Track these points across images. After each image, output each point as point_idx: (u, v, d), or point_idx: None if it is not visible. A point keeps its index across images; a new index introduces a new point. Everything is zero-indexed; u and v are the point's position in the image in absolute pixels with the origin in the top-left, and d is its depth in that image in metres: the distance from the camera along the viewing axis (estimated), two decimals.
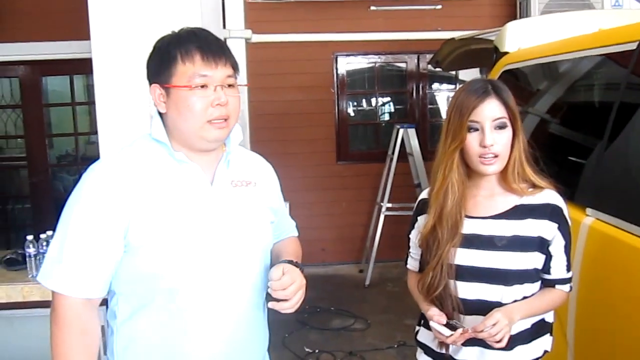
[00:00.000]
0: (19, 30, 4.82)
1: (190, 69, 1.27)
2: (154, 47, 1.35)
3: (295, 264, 1.37)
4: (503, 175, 1.51)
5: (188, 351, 1.32)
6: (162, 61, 1.30)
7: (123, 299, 1.33)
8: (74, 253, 1.25)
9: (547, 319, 1.58)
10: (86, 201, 1.27)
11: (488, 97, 1.46)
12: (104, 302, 1.36)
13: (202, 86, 1.28)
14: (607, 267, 1.83)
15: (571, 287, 1.57)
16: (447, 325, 1.45)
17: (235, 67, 1.34)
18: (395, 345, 3.85)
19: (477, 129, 1.47)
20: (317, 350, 3.82)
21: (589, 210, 1.94)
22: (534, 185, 1.52)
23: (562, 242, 1.50)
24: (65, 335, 1.26)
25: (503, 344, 1.40)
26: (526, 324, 1.52)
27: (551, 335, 1.59)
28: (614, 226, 1.80)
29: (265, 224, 1.45)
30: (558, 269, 1.52)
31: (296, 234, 1.68)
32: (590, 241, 1.88)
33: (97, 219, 1.26)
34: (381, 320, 4.30)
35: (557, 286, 1.53)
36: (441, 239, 1.52)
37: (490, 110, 1.45)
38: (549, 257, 1.51)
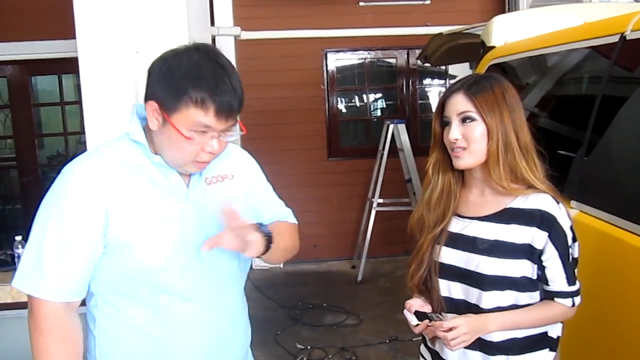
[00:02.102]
0: (7, 29, 4.78)
1: (198, 116, 1.21)
2: (166, 64, 1.24)
3: (262, 227, 1.34)
4: (488, 173, 1.43)
5: (172, 350, 1.32)
6: (171, 90, 1.22)
7: (104, 300, 1.31)
8: (54, 256, 1.23)
9: (550, 333, 1.47)
10: (64, 202, 1.25)
11: (456, 92, 1.45)
12: (83, 303, 1.33)
13: (201, 131, 1.24)
14: (590, 258, 1.84)
15: (575, 302, 1.42)
16: (419, 315, 1.44)
17: (240, 109, 1.27)
18: (387, 340, 3.86)
19: (447, 124, 1.46)
20: (309, 347, 3.80)
21: (573, 203, 1.96)
22: (531, 186, 1.42)
23: (556, 253, 1.38)
24: (48, 342, 1.23)
25: (455, 349, 1.38)
26: (516, 334, 1.43)
27: (553, 350, 1.48)
28: (598, 218, 1.82)
29: (243, 216, 1.44)
30: (556, 281, 1.40)
31: (292, 220, 1.64)
32: None
33: (77, 219, 1.24)
34: (373, 315, 4.31)
35: (556, 299, 1.41)
36: (427, 230, 1.52)
37: (455, 104, 1.45)
38: (542, 268, 1.41)
